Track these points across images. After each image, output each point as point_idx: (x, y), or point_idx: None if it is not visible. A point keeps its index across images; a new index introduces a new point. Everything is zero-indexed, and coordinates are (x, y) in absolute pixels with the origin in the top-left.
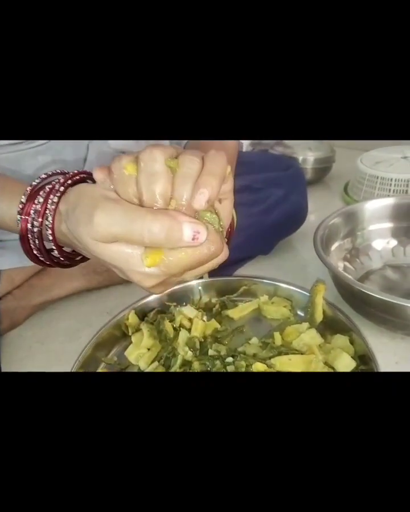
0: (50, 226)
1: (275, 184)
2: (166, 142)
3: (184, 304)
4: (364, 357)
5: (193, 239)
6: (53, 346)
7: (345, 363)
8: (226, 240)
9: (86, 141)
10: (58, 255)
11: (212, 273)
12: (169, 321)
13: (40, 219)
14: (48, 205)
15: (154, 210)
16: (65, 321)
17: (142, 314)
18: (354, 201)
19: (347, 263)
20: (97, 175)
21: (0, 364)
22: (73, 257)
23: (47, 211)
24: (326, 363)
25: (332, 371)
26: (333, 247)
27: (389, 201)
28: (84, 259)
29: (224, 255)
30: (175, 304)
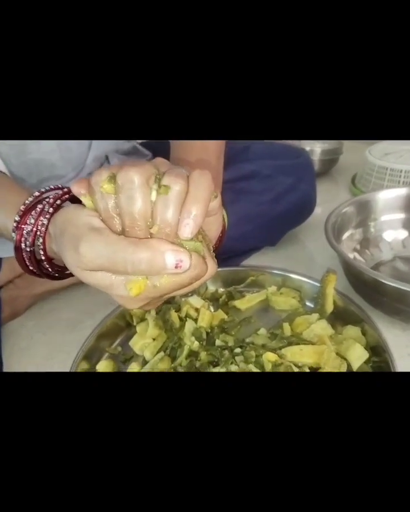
0: (41, 247)
1: (284, 171)
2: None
3: (190, 294)
4: (376, 348)
5: (176, 267)
6: (55, 336)
7: (358, 354)
8: (213, 254)
9: None
10: (49, 268)
11: (219, 264)
12: (175, 311)
13: (31, 239)
14: (39, 226)
15: (136, 241)
16: (67, 311)
17: None
18: (362, 192)
19: (356, 254)
20: (75, 189)
21: (1, 354)
22: (63, 271)
23: (38, 233)
24: (337, 354)
25: (344, 361)
26: (344, 236)
27: (402, 192)
28: None
29: (210, 272)
30: None
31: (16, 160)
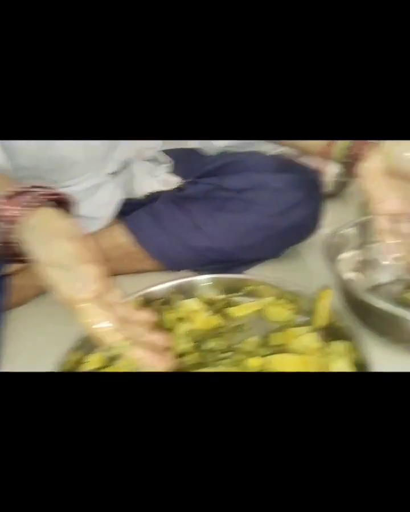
0: (8, 228)
1: (294, 186)
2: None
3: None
4: (361, 366)
5: None
6: (57, 327)
7: (340, 369)
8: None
9: None
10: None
11: (223, 271)
12: (170, 313)
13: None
14: (19, 211)
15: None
16: None
17: (146, 303)
18: None
19: (356, 274)
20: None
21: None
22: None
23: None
24: (321, 367)
25: None
26: (344, 256)
27: None
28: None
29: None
30: (180, 296)
31: (42, 153)
